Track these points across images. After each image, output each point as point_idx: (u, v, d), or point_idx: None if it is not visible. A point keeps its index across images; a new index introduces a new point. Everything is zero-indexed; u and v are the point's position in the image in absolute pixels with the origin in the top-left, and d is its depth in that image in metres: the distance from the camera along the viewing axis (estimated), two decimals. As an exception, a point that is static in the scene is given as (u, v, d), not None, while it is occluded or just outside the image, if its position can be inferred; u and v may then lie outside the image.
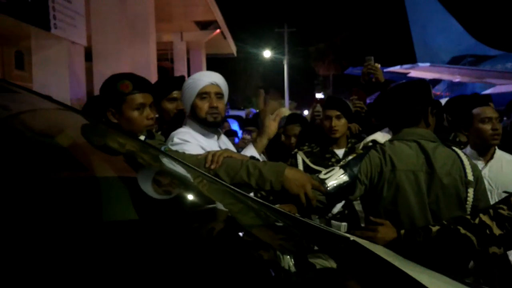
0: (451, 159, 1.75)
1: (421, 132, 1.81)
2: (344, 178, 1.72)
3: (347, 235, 1.45)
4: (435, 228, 1.56)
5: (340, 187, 1.71)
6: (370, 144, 1.91)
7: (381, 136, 2.46)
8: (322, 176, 1.74)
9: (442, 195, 1.71)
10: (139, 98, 1.85)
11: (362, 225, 2.22)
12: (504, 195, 2.24)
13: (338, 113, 2.73)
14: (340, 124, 2.73)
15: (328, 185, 1.70)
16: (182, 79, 2.40)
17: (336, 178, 1.72)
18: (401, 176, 1.72)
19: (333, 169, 1.76)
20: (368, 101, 3.66)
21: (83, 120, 1.53)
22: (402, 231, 1.61)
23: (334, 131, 2.72)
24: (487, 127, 2.37)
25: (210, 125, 2.03)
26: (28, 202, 1.00)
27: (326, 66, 35.19)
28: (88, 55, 6.97)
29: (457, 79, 18.80)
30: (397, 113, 1.87)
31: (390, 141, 1.85)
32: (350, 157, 1.81)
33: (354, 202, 2.55)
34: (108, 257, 0.93)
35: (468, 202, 1.71)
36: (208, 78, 2.04)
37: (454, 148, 1.83)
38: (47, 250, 0.90)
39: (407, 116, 1.84)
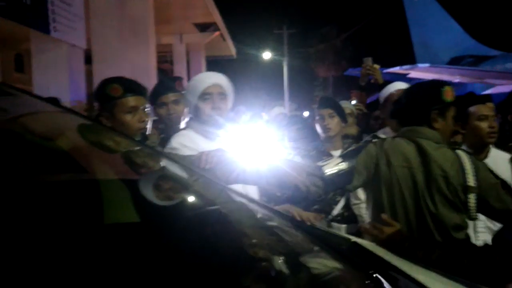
0: (450, 162, 1.75)
1: (424, 131, 1.80)
2: (341, 165, 1.76)
3: (348, 236, 1.45)
4: (437, 252, 1.50)
5: (337, 174, 1.74)
6: (370, 138, 1.96)
7: (383, 135, 2.48)
8: (320, 163, 1.79)
9: (438, 196, 1.71)
10: (130, 101, 1.84)
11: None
12: None
13: (331, 111, 2.74)
14: (333, 123, 2.73)
15: (326, 171, 1.74)
16: (169, 82, 2.43)
17: (333, 165, 1.77)
18: (396, 171, 1.75)
19: (331, 158, 1.83)
20: (368, 101, 3.67)
21: (83, 122, 1.53)
22: (407, 243, 1.57)
23: (327, 129, 2.73)
24: (484, 125, 2.33)
25: (213, 128, 2.03)
26: (29, 205, 1.00)
27: (325, 67, 35.13)
28: (88, 58, 6.97)
29: (457, 79, 18.71)
30: (403, 112, 1.90)
31: (393, 137, 1.88)
32: (349, 148, 1.87)
33: (353, 206, 2.56)
34: (108, 259, 0.93)
35: (470, 207, 1.71)
36: (210, 79, 2.03)
37: (458, 152, 1.81)
38: (48, 253, 0.90)
39: (410, 115, 1.86)
